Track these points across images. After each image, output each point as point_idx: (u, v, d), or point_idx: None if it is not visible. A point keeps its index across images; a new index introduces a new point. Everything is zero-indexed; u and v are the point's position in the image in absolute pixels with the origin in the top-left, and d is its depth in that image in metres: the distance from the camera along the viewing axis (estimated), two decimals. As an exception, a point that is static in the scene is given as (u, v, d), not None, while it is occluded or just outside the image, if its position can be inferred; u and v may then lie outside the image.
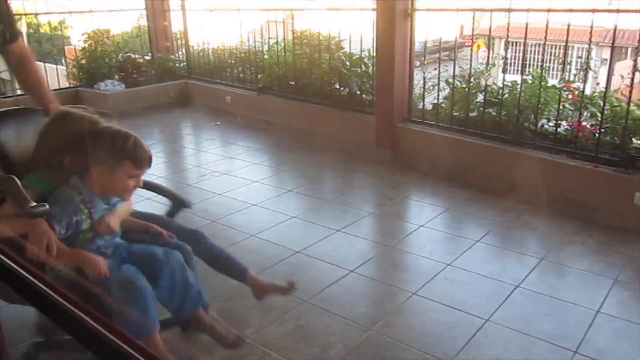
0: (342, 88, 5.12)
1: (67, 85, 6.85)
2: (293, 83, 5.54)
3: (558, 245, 3.19)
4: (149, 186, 2.13)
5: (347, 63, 5.03)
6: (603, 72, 4.19)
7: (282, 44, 5.64)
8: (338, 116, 5.04)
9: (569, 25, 3.65)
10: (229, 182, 4.24)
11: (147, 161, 1.84)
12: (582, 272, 2.89)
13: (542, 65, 3.95)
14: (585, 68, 3.90)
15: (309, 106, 5.33)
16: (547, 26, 3.67)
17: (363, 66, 4.97)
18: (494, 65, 4.52)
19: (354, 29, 4.94)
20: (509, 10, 3.92)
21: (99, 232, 1.82)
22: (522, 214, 3.58)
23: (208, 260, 2.13)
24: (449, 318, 2.47)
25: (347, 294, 2.67)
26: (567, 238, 3.26)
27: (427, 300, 2.61)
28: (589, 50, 3.79)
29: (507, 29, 3.91)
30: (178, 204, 2.24)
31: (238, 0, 6.10)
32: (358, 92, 5.01)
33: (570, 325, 2.41)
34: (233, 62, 6.48)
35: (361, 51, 4.92)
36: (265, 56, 5.95)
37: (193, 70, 6.98)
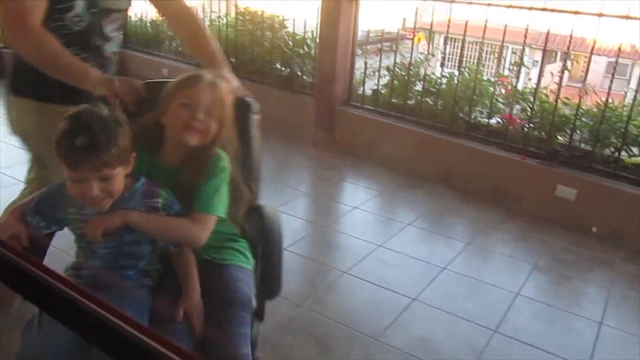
0: (283, 68, 5.07)
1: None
2: (234, 60, 5.43)
3: (484, 231, 3.32)
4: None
5: (290, 43, 4.99)
6: (534, 72, 4.42)
7: (225, 20, 5.51)
8: (278, 96, 4.99)
9: (505, 26, 3.78)
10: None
11: (72, 158, 1.29)
12: (505, 257, 3.03)
13: (478, 60, 4.06)
14: (519, 64, 4.04)
15: (249, 84, 5.17)
16: (485, 24, 3.80)
17: (306, 47, 4.93)
18: (433, 55, 4.61)
19: (299, 9, 4.90)
20: (451, 1, 4.00)
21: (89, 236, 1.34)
22: (453, 201, 3.69)
23: None
24: (377, 297, 2.52)
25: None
26: (493, 225, 3.40)
27: (357, 279, 2.65)
28: (523, 49, 3.94)
29: (448, 25, 4.00)
30: (268, 285, 1.56)
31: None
32: (299, 73, 4.98)
33: (492, 306, 2.52)
34: (172, 34, 6.27)
35: (304, 32, 4.89)
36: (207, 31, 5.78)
37: (129, 40, 6.70)
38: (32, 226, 1.39)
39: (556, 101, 3.63)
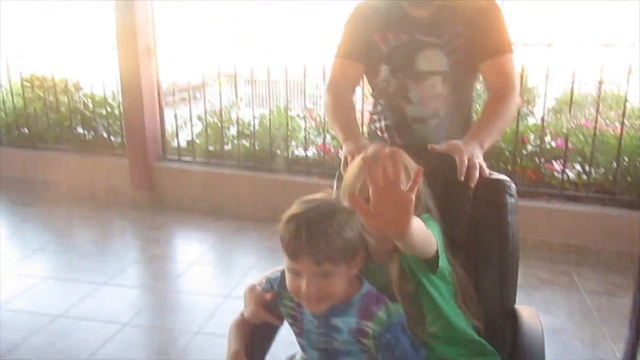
0: (86, 132, 4.73)
1: None
2: (26, 130, 4.93)
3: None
4: None
5: (90, 105, 4.68)
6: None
7: (8, 88, 4.97)
8: (84, 162, 4.63)
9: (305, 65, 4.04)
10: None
11: (292, 247, 1.11)
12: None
13: (287, 99, 4.24)
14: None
15: (49, 154, 4.78)
16: (286, 69, 4.05)
17: (108, 107, 4.67)
18: (240, 99, 4.70)
19: (93, 70, 4.64)
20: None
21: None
22: (287, 236, 3.73)
23: None
24: (236, 350, 2.43)
25: (124, 350, 2.43)
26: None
27: (211, 336, 2.53)
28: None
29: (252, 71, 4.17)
30: None
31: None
32: (105, 135, 4.69)
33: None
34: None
35: (104, 91, 4.63)
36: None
37: None
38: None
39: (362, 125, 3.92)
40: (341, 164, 1.54)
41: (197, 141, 4.48)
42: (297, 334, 1.27)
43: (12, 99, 4.89)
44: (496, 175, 1.41)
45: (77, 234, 4.03)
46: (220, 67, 4.41)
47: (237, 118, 4.32)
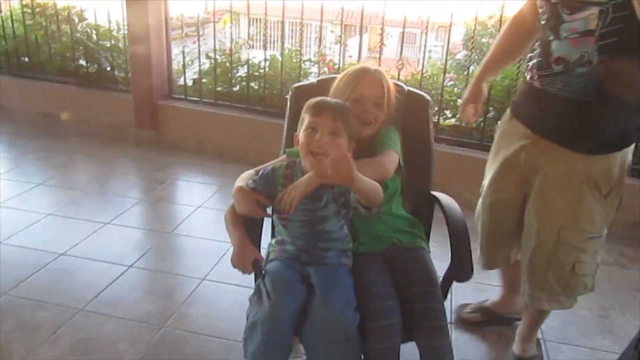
0: (89, 64, 4.56)
1: None
2: (27, 60, 4.75)
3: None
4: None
5: (94, 36, 4.50)
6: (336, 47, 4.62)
7: (7, 14, 4.76)
8: (88, 96, 4.49)
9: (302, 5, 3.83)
10: (-46, 181, 3.45)
11: (318, 106, 1.50)
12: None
13: (301, 40, 4.05)
14: (340, 42, 4.12)
15: (51, 86, 4.63)
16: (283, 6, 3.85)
17: (112, 40, 4.49)
18: (251, 39, 4.51)
19: (98, -1, 4.43)
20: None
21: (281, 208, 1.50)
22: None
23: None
24: (243, 297, 2.38)
25: (129, 293, 2.39)
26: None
27: (218, 283, 2.49)
28: (342, 26, 4.02)
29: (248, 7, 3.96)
30: (458, 269, 1.55)
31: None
32: (109, 69, 4.53)
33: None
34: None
35: (109, 22, 4.43)
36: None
37: None
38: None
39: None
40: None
41: (205, 80, 4.34)
42: (284, 216, 1.55)
43: (12, 26, 4.69)
44: (419, 92, 1.88)
45: (79, 170, 3.94)
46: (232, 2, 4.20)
47: (248, 59, 4.15)
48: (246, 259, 1.48)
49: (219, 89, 4.25)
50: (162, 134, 4.31)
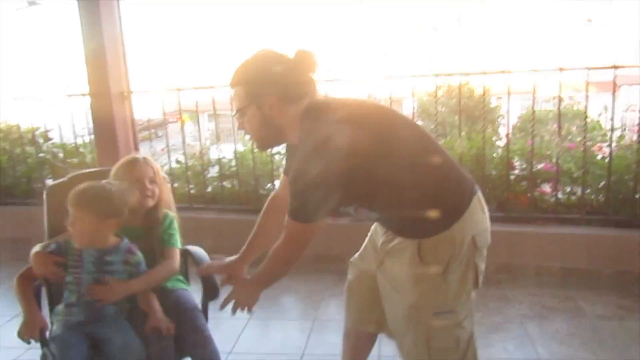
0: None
1: None
2: (-8, 185, 4.67)
3: (322, 301, 3.28)
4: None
5: (61, 155, 4.48)
6: None
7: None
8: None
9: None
10: None
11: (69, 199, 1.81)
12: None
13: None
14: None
15: (19, 209, 4.53)
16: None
17: (79, 156, 4.47)
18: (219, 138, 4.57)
19: (63, 117, 4.44)
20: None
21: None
22: (281, 280, 3.58)
23: None
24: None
25: None
26: (328, 292, 3.38)
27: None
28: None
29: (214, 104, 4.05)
30: (207, 293, 2.03)
31: None
32: (78, 185, 4.48)
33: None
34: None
35: (75, 138, 4.43)
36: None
37: None
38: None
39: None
40: None
41: (176, 185, 4.32)
42: (76, 278, 1.82)
43: (-25, 153, 4.64)
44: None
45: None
46: (185, 102, 4.27)
47: (219, 159, 4.18)
48: (35, 328, 1.72)
49: (192, 191, 4.23)
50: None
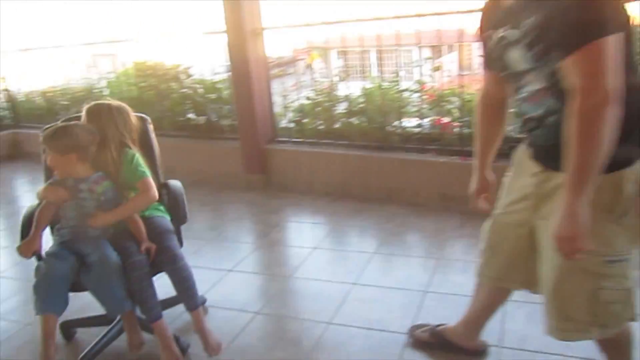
0: (198, 117, 4.83)
1: None
2: (142, 118, 5.11)
3: (448, 241, 3.25)
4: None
5: (200, 90, 4.76)
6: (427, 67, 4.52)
7: (123, 77, 5.18)
8: (199, 147, 4.74)
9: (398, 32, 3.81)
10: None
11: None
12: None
13: (397, 70, 4.04)
14: (438, 67, 4.05)
15: (165, 140, 4.87)
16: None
17: (217, 91, 4.72)
18: (347, 74, 4.57)
19: (202, 54, 4.68)
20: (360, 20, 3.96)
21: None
22: (406, 217, 3.61)
23: (173, 282, 2.24)
24: (371, 341, 2.35)
25: (259, 341, 2.43)
26: (454, 232, 3.34)
27: (344, 327, 2.47)
28: (440, 51, 3.96)
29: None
30: (178, 220, 2.48)
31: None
32: (216, 119, 4.76)
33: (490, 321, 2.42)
34: (67, 102, 5.83)
35: (214, 75, 4.68)
36: (105, 92, 5.42)
37: (21, 118, 6.17)
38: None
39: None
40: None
41: (305, 121, 4.43)
42: (69, 207, 2.20)
43: (127, 88, 5.08)
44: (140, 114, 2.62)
45: (198, 219, 4.12)
46: (314, 38, 4.28)
47: (347, 95, 4.19)
48: (30, 250, 2.15)
49: (320, 127, 4.31)
50: (271, 177, 4.43)
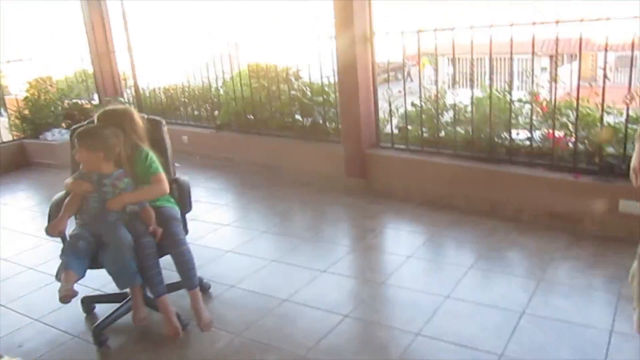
0: (304, 118, 4.95)
1: (9, 138, 6.44)
2: (252, 117, 5.34)
3: (552, 262, 3.07)
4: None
5: (308, 92, 4.88)
6: (543, 78, 4.24)
7: (238, 78, 5.43)
8: (303, 148, 4.86)
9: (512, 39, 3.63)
10: (195, 228, 3.93)
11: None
12: (584, 289, 2.78)
13: (510, 80, 3.88)
14: (555, 78, 3.84)
15: (272, 140, 5.14)
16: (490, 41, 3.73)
17: (324, 95, 4.81)
18: (456, 83, 4.45)
19: (311, 57, 4.78)
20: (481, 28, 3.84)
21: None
22: (508, 233, 3.46)
23: (175, 263, 2.56)
24: (461, 358, 2.29)
25: (346, 343, 2.45)
26: (559, 254, 3.16)
27: (432, 340, 2.42)
28: (556, 60, 3.76)
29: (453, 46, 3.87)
30: (184, 209, 2.82)
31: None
32: (321, 121, 4.86)
33: (588, 350, 2.27)
34: (186, 100, 6.23)
35: (322, 79, 4.77)
36: (221, 92, 5.73)
37: (144, 112, 6.68)
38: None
39: (602, 110, 3.43)
40: None
41: (409, 127, 4.38)
42: (92, 198, 2.53)
43: (241, 89, 5.32)
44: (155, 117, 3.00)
45: (297, 218, 4.24)
46: (426, 45, 4.17)
47: (454, 103, 4.10)
48: (56, 229, 2.50)
49: (424, 135, 4.25)
50: (371, 182, 4.44)
